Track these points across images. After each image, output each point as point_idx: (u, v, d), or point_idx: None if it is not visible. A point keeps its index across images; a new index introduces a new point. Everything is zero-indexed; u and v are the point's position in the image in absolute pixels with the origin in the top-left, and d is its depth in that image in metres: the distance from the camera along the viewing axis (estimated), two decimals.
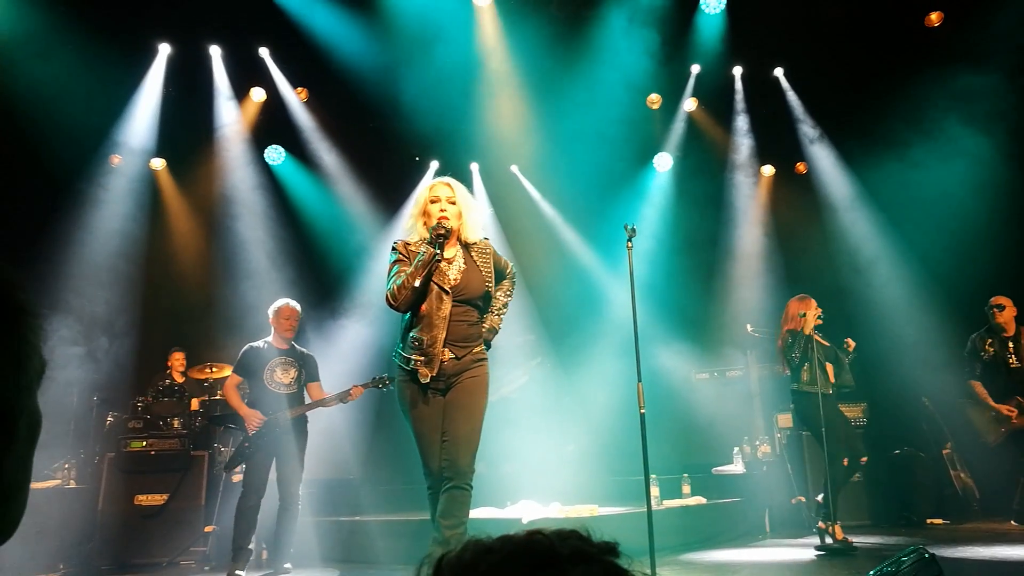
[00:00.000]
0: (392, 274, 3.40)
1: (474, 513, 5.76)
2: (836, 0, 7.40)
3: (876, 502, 6.64)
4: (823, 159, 8.69)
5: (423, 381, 3.36)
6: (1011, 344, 5.91)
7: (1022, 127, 7.03)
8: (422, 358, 3.36)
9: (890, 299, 7.85)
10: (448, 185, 3.52)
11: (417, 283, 3.31)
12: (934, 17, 7.63)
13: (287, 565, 5.18)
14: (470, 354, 3.45)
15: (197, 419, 6.58)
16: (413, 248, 3.45)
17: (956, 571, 4.12)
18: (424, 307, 3.38)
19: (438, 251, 3.35)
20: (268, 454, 5.25)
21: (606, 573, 0.66)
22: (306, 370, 5.49)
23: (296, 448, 5.30)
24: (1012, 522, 6.11)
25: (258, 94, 8.47)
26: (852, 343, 5.66)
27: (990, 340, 5.98)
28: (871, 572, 3.13)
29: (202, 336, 7.69)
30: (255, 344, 5.46)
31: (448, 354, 3.38)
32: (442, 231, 3.37)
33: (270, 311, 5.51)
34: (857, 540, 5.48)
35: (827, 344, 5.70)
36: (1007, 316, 5.92)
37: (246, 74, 8.37)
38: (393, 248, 3.50)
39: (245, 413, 5.23)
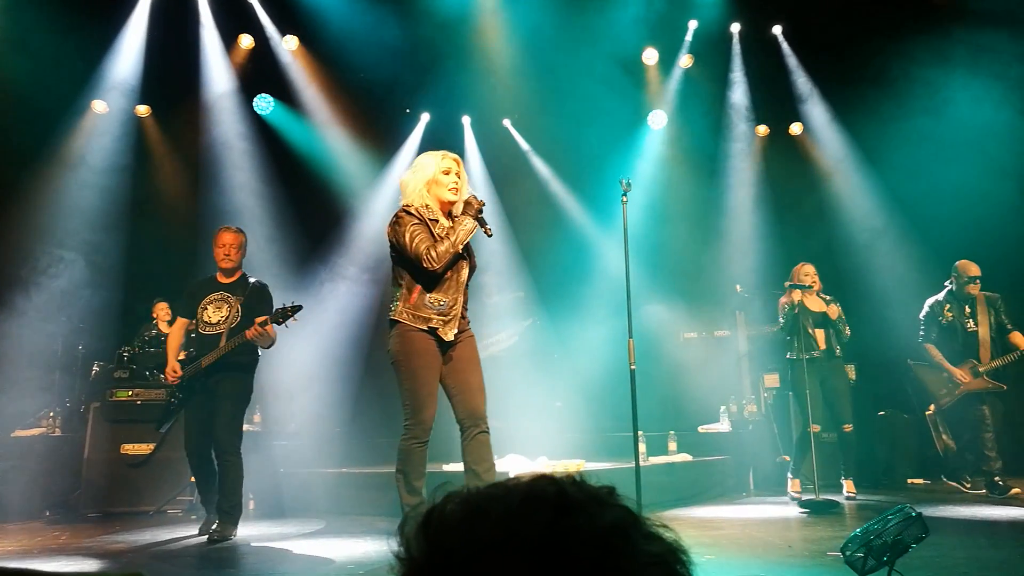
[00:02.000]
0: (416, 237, 3.51)
1: (462, 466, 5.81)
2: None
3: (860, 462, 6.71)
4: (818, 119, 8.61)
5: (447, 339, 3.56)
6: (967, 307, 6.03)
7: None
8: (444, 318, 3.55)
9: (880, 260, 7.85)
10: (457, 160, 3.72)
11: (460, 250, 3.55)
12: None
13: (235, 529, 4.65)
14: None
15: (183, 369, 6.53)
16: (428, 215, 3.60)
17: (937, 529, 4.17)
18: (449, 272, 3.58)
19: (487, 226, 3.62)
20: (199, 407, 4.72)
21: (627, 517, 0.62)
22: (247, 305, 4.76)
23: (226, 393, 4.66)
24: (964, 484, 6.23)
25: (246, 41, 8.27)
26: (836, 309, 5.73)
27: (948, 305, 6.09)
28: (857, 530, 3.15)
29: (265, 283, 7.62)
30: (198, 279, 5.00)
31: (465, 316, 3.67)
32: (480, 205, 3.62)
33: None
34: (840, 498, 5.56)
35: (818, 310, 5.79)
36: (976, 285, 6.01)
37: (233, 20, 8.15)
38: (407, 211, 3.60)
39: (168, 365, 4.75)
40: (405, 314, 3.55)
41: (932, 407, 7.07)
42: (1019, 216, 7.01)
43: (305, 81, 8.47)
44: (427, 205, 3.63)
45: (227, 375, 4.69)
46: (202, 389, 4.73)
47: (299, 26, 8.25)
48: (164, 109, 8.20)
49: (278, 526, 5.19)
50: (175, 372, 4.73)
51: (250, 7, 8.19)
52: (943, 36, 7.12)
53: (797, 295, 5.80)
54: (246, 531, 4.92)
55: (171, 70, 8.01)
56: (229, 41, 8.20)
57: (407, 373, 3.53)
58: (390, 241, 3.64)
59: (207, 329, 4.73)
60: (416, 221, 3.56)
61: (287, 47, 8.38)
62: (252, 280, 4.91)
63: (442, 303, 3.56)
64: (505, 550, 0.60)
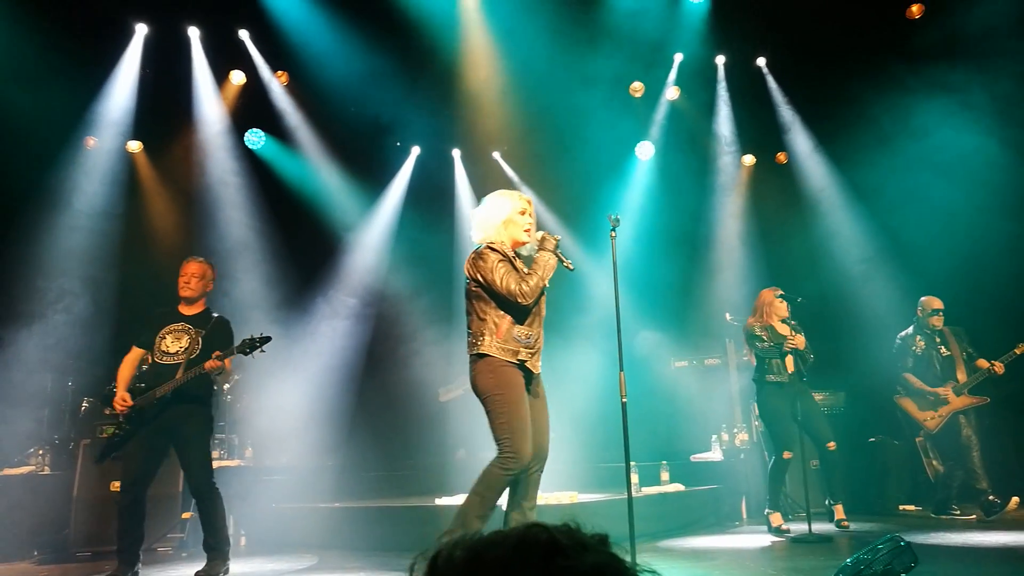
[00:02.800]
0: (503, 273, 3.63)
1: (455, 500, 5.80)
2: None
3: (851, 489, 6.72)
4: (804, 149, 8.75)
5: (535, 372, 3.72)
6: (938, 338, 6.37)
7: (1002, 117, 7.09)
8: (530, 351, 3.70)
9: (868, 287, 7.93)
10: (530, 202, 3.92)
11: (546, 284, 3.74)
12: (915, 9, 7.68)
13: (226, 565, 4.54)
14: None
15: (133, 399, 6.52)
16: (509, 252, 3.75)
17: (928, 557, 4.19)
18: (534, 307, 3.75)
19: (567, 261, 3.79)
20: (148, 440, 4.50)
21: (610, 560, 0.66)
22: (208, 338, 4.65)
23: (192, 431, 4.54)
24: (954, 512, 6.20)
25: (237, 77, 8.37)
26: (801, 340, 5.72)
27: (918, 336, 6.40)
28: (848, 560, 3.18)
29: (226, 319, 7.62)
30: (160, 309, 4.80)
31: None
32: (557, 240, 3.80)
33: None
34: (832, 527, 5.57)
35: (785, 334, 5.80)
36: (940, 317, 6.37)
37: (225, 57, 8.25)
38: (493, 249, 3.72)
39: (117, 394, 4.52)
40: (495, 348, 3.63)
41: (922, 434, 7.13)
42: (998, 241, 7.12)
43: (296, 116, 8.56)
44: (503, 242, 3.77)
45: (185, 408, 4.54)
46: (152, 421, 4.50)
47: (289, 62, 8.35)
48: (156, 145, 8.26)
49: (271, 562, 5.15)
50: (125, 401, 4.47)
51: (241, 43, 8.29)
52: (920, 65, 7.30)
53: (765, 320, 5.82)
54: (238, 568, 4.88)
55: (163, 106, 8.08)
56: (221, 77, 8.29)
57: (505, 406, 3.57)
58: (470, 277, 3.73)
59: (164, 359, 4.58)
60: (501, 258, 3.68)
61: (278, 83, 8.48)
62: (215, 315, 4.82)
63: (528, 336, 3.69)
64: None
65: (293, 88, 8.55)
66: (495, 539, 0.70)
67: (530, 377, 3.71)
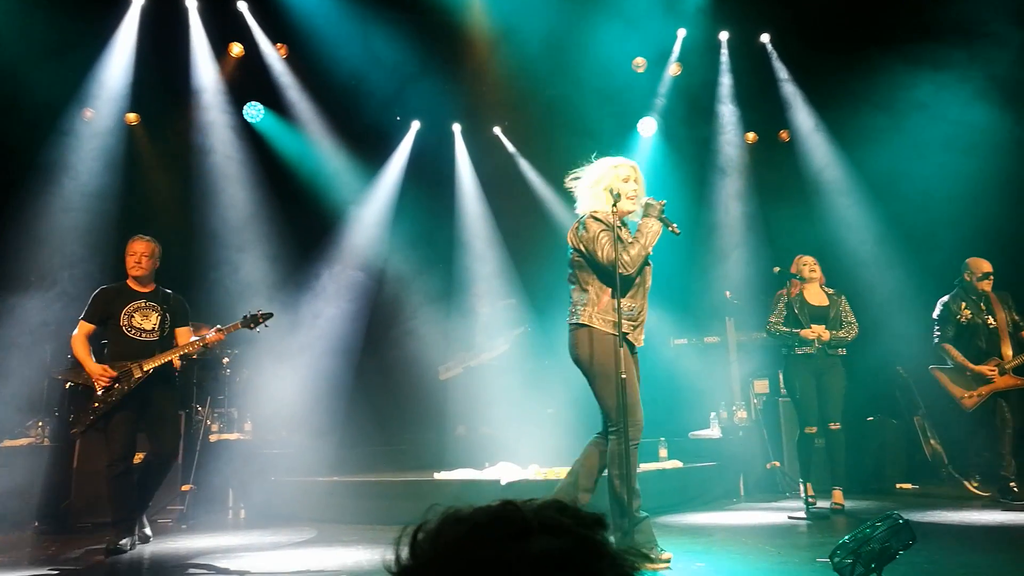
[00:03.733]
0: (604, 243, 3.61)
1: (453, 475, 5.82)
2: None
3: (849, 467, 6.74)
4: (806, 126, 8.67)
5: (638, 345, 3.73)
6: (983, 305, 5.85)
7: (1006, 94, 7.03)
8: (632, 323, 3.68)
9: (870, 269, 7.90)
10: (634, 167, 3.87)
11: (650, 252, 3.69)
12: None
13: (147, 531, 4.82)
14: None
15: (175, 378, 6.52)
16: (611, 219, 3.69)
17: (925, 535, 4.20)
18: (638, 278, 3.70)
19: (672, 225, 3.73)
20: (128, 412, 4.67)
21: (576, 545, 0.64)
22: (171, 314, 4.93)
23: (164, 401, 4.82)
24: (972, 484, 6.16)
25: (236, 49, 8.27)
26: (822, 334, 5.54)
27: (964, 303, 5.86)
28: (846, 537, 3.18)
29: (180, 296, 7.58)
30: (108, 287, 4.94)
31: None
32: (662, 205, 3.74)
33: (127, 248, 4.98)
34: (832, 504, 5.59)
35: (817, 303, 5.70)
36: (990, 282, 5.85)
37: (224, 28, 8.14)
38: (595, 219, 3.71)
39: (91, 368, 4.65)
40: (596, 319, 3.64)
41: (920, 413, 7.14)
42: (1001, 217, 7.08)
43: (295, 89, 8.47)
44: (612, 211, 3.72)
45: (163, 381, 4.80)
46: (136, 394, 4.66)
47: (289, 34, 8.25)
48: (154, 118, 8.18)
49: (269, 535, 5.18)
50: (107, 372, 4.61)
51: (240, 15, 8.19)
52: (925, 41, 7.23)
53: (796, 287, 5.69)
54: (237, 540, 4.91)
55: (161, 78, 7.99)
56: (219, 49, 8.19)
57: (609, 377, 3.57)
58: (573, 247, 3.75)
59: (140, 335, 4.79)
60: (604, 227, 3.64)
61: (277, 55, 8.39)
62: (168, 292, 5.02)
63: (632, 309, 3.68)
64: (463, 569, 0.64)
65: (293, 61, 8.45)
66: (462, 515, 0.69)
67: (632, 349, 3.70)
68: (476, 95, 8.67)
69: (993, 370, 5.70)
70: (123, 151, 7.87)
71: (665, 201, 3.76)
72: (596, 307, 3.66)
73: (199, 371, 6.62)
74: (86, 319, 4.84)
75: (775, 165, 8.84)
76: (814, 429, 5.56)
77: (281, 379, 6.93)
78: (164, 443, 4.80)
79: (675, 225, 3.73)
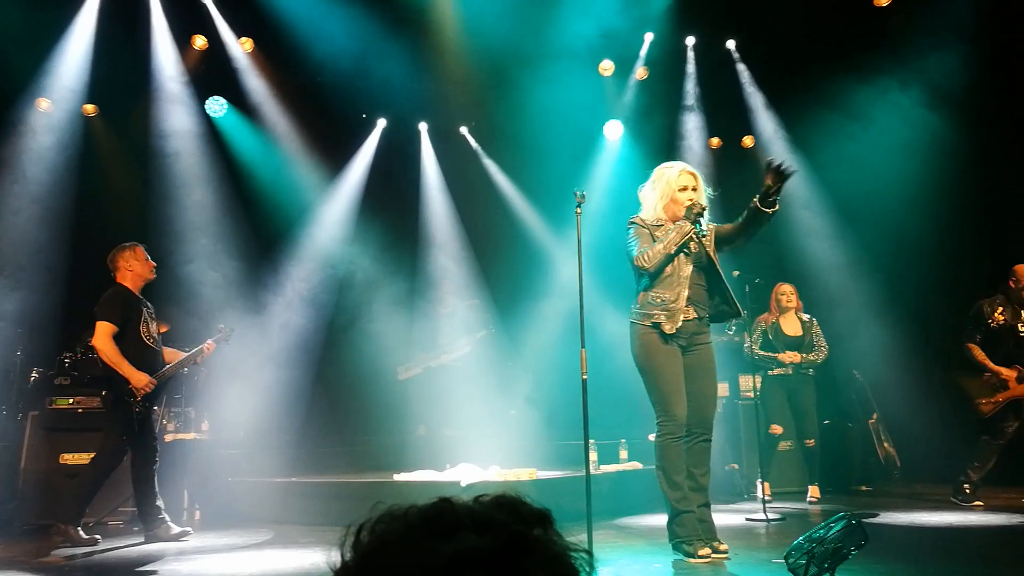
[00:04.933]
0: (635, 243, 3.88)
1: (413, 476, 5.78)
2: None
3: (799, 473, 6.84)
4: (769, 133, 8.78)
5: (668, 331, 3.77)
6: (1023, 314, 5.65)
7: (964, 103, 7.20)
8: (666, 312, 3.78)
9: (827, 274, 8.03)
10: (694, 175, 3.99)
11: (672, 251, 3.80)
12: None
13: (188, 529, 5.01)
14: (707, 321, 3.94)
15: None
16: (655, 224, 3.92)
17: (878, 535, 4.28)
18: (668, 268, 3.83)
19: (698, 227, 3.85)
20: (154, 416, 5.02)
21: (504, 542, 0.63)
22: (157, 324, 5.12)
23: (160, 405, 5.17)
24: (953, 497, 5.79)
25: (199, 42, 8.12)
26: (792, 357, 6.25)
27: (1001, 308, 5.69)
28: (800, 538, 3.22)
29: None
30: (123, 289, 4.85)
31: (692, 312, 3.83)
32: (700, 210, 3.84)
33: (121, 254, 4.92)
34: (788, 506, 5.68)
35: (792, 333, 6.10)
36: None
37: (187, 20, 8.00)
38: (633, 223, 3.98)
39: (136, 376, 4.66)
40: (635, 314, 3.90)
41: (875, 416, 7.29)
42: (940, 221, 7.26)
43: (259, 84, 8.35)
44: (660, 218, 3.93)
45: (164, 388, 5.13)
46: (152, 400, 4.92)
47: (254, 28, 8.14)
48: (113, 109, 7.99)
49: (225, 536, 5.09)
50: (152, 382, 4.76)
51: (204, 7, 8.05)
52: (884, 52, 7.41)
53: (773, 315, 6.41)
54: (192, 542, 4.82)
55: (121, 69, 7.81)
56: (182, 41, 8.04)
57: (647, 371, 3.81)
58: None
59: (154, 343, 4.92)
60: (640, 228, 3.91)
61: (241, 49, 8.26)
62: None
63: (663, 299, 3.81)
64: (391, 567, 0.65)
65: (257, 55, 8.34)
66: (398, 513, 0.68)
67: (680, 341, 3.80)
68: (443, 94, 8.63)
69: (1012, 372, 5.56)
70: (79, 142, 7.69)
71: (705, 205, 3.90)
72: (636, 303, 3.91)
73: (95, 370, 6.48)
74: (112, 321, 4.72)
75: (740, 170, 8.94)
76: (779, 429, 6.25)
77: (240, 378, 6.83)
78: (153, 447, 4.96)
79: (700, 230, 3.90)
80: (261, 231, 8.02)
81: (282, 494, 5.89)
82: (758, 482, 6.08)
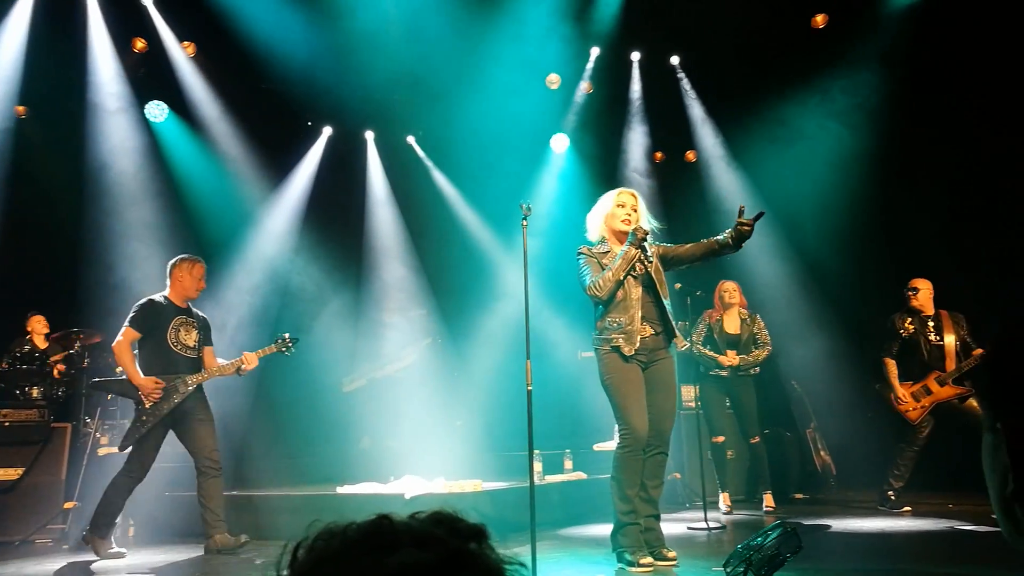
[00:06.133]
0: (584, 272, 4.04)
1: (356, 489, 5.71)
2: None
3: (748, 478, 6.98)
4: (711, 147, 8.98)
5: (627, 353, 3.91)
6: (931, 323, 5.92)
7: (894, 123, 7.50)
8: (623, 335, 3.92)
9: (766, 288, 8.23)
10: (633, 195, 4.18)
11: (621, 277, 3.93)
12: (819, 19, 8.00)
13: (244, 537, 4.81)
14: (663, 335, 4.05)
15: (60, 388, 6.17)
16: (600, 249, 4.10)
17: (814, 542, 4.40)
18: (620, 293, 3.97)
19: (643, 253, 3.99)
20: (164, 426, 4.84)
21: (442, 558, 0.64)
22: (203, 333, 5.12)
23: (205, 414, 4.97)
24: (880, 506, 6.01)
25: (139, 44, 7.92)
26: (758, 325, 6.28)
27: (910, 319, 5.97)
28: (739, 546, 3.29)
29: (67, 301, 7.17)
30: (156, 298, 4.97)
31: (648, 330, 3.99)
32: (643, 234, 3.98)
33: (178, 265, 5.05)
34: (737, 515, 5.78)
35: (733, 331, 6.14)
36: (922, 299, 5.98)
37: (126, 22, 7.80)
38: (580, 252, 4.13)
39: (141, 381, 4.74)
40: (596, 340, 4.04)
41: (812, 425, 7.48)
42: (870, 234, 7.59)
43: (202, 89, 8.19)
44: (603, 238, 4.13)
45: (200, 395, 4.98)
46: (175, 409, 4.82)
47: (197, 32, 7.98)
48: (46, 112, 7.73)
49: (161, 553, 4.95)
50: (159, 387, 4.75)
51: (144, 9, 7.86)
52: (821, 71, 7.68)
53: (717, 312, 6.32)
54: (124, 559, 4.67)
55: (55, 71, 7.57)
56: (121, 43, 7.83)
57: (611, 390, 3.97)
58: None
59: (186, 352, 4.94)
60: (588, 258, 4.07)
61: (184, 53, 8.09)
62: (196, 310, 5.17)
63: (619, 322, 3.95)
64: None
65: (200, 60, 8.17)
66: (336, 530, 0.68)
67: (640, 358, 3.95)
68: (391, 103, 8.59)
69: (906, 397, 5.83)
70: (9, 146, 7.41)
71: (649, 230, 4.05)
72: (596, 327, 4.06)
73: (88, 381, 6.27)
74: (134, 327, 4.85)
75: (682, 184, 9.11)
76: (721, 439, 6.25)
77: None
78: (212, 450, 4.90)
79: (647, 255, 4.03)
80: (203, 239, 7.83)
81: (231, 507, 5.73)
82: (720, 493, 6.18)
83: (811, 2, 7.96)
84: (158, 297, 5.00)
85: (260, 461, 7.01)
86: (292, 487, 6.39)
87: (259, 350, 5.09)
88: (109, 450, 6.15)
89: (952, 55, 7.11)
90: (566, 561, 4.21)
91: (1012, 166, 6.82)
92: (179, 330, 4.95)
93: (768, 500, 6.12)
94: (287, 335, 5.18)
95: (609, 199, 4.16)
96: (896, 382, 5.92)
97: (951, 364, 5.79)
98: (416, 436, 6.71)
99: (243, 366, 5.02)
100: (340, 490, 5.67)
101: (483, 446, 7.12)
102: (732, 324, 6.28)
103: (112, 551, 4.72)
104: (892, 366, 5.97)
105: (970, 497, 6.05)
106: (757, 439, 6.19)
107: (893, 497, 5.86)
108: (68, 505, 5.59)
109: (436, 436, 6.84)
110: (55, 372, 6.28)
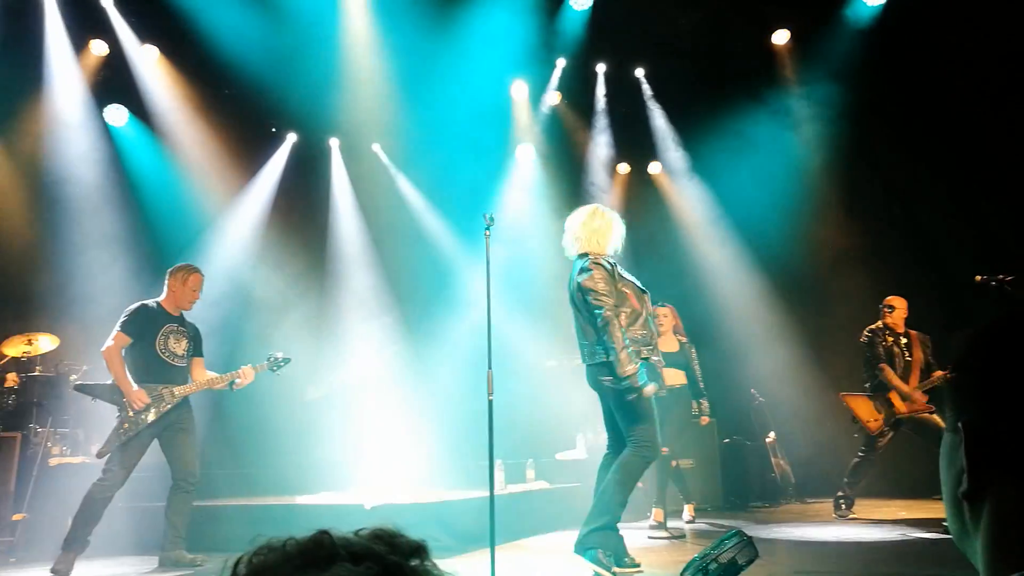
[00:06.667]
0: (606, 289, 3.98)
1: (315, 499, 5.66)
2: (694, 9, 7.73)
3: (709, 488, 7.06)
4: (674, 160, 9.10)
5: (654, 363, 4.05)
6: (903, 339, 6.05)
7: (851, 135, 7.68)
8: (648, 347, 4.03)
9: (727, 298, 8.35)
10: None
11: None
12: (777, 36, 8.18)
13: (201, 557, 4.68)
14: None
15: (11, 396, 6.01)
16: (613, 267, 4.12)
17: (770, 551, 4.46)
18: (638, 306, 4.09)
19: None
20: (151, 435, 4.71)
21: (382, 571, 0.65)
22: (194, 343, 5.00)
23: (190, 426, 4.86)
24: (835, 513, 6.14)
25: (99, 47, 7.79)
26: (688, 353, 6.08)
27: (887, 331, 6.08)
28: (696, 555, 3.33)
29: (22, 307, 7.00)
30: (148, 303, 4.87)
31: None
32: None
33: (174, 274, 4.94)
34: (684, 524, 5.83)
35: (669, 351, 6.11)
36: (897, 317, 6.10)
37: (86, 23, 7.66)
38: (596, 263, 4.07)
39: (128, 388, 4.63)
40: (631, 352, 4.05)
41: (772, 434, 7.60)
42: (832, 247, 7.72)
43: (164, 94, 8.07)
44: (616, 252, 4.26)
45: (187, 406, 4.87)
46: (162, 418, 4.71)
47: (160, 35, 7.88)
48: (2, 114, 7.55)
49: (112, 566, 4.85)
50: (144, 396, 4.63)
51: (103, 11, 7.73)
52: (778, 87, 7.86)
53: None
54: (78, 570, 4.56)
55: (11, 72, 7.40)
56: (80, 46, 7.69)
57: (652, 407, 4.08)
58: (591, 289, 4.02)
59: (175, 360, 4.82)
60: (602, 272, 4.04)
61: (146, 57, 7.97)
62: (188, 319, 5.06)
63: (642, 335, 4.05)
64: None
65: (163, 64, 8.06)
66: (276, 545, 0.69)
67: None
68: (356, 111, 8.56)
69: (901, 398, 5.87)
70: None
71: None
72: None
73: (40, 389, 6.12)
74: (125, 331, 4.75)
75: (646, 196, 9.21)
76: (665, 450, 5.84)
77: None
78: (191, 464, 4.81)
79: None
80: (162, 245, 7.70)
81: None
82: (685, 505, 6.08)
83: (772, 18, 8.13)
84: (151, 303, 4.90)
85: (218, 471, 6.90)
86: (251, 497, 6.30)
87: (254, 365, 4.99)
88: (61, 460, 6.01)
89: (908, 70, 7.33)
90: (526, 571, 4.22)
91: (966, 177, 7.04)
92: (169, 338, 4.83)
93: (690, 510, 5.98)
94: (280, 354, 5.10)
95: (620, 234, 4.31)
96: (901, 383, 5.88)
97: (915, 382, 5.89)
98: (378, 445, 6.66)
99: (238, 380, 4.88)
100: (299, 500, 5.60)
101: (446, 455, 7.10)
102: (669, 345, 6.02)
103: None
104: (890, 370, 5.95)
105: (921, 506, 6.21)
106: (690, 463, 6.23)
107: (844, 505, 6.01)
108: (17, 517, 5.44)
109: (399, 445, 6.80)
110: (8, 380, 6.12)
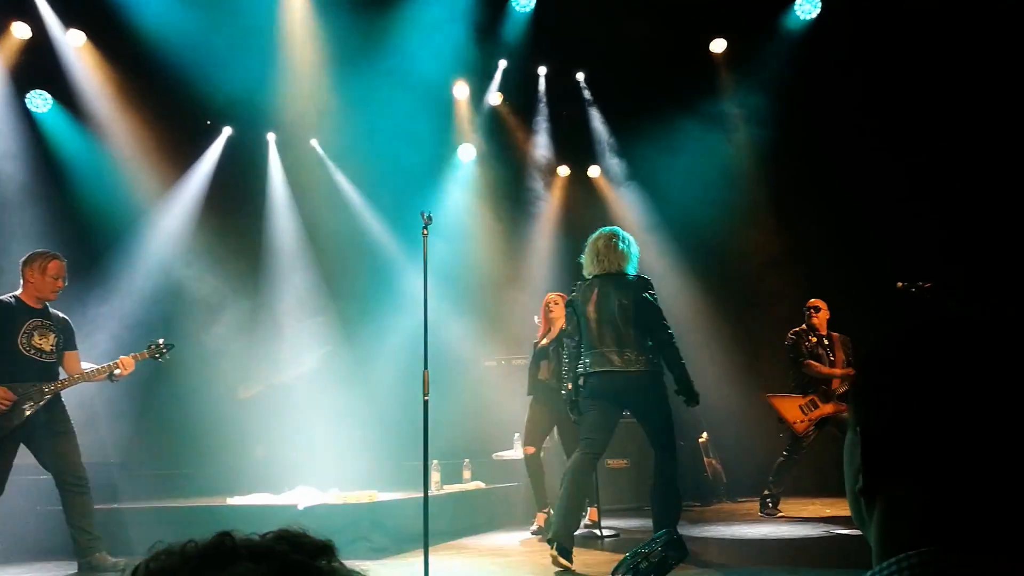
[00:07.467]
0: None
1: (247, 500, 5.54)
2: (635, 15, 7.84)
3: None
4: (613, 164, 9.21)
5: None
6: (826, 341, 6.22)
7: (787, 141, 7.91)
8: None
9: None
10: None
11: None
12: (715, 44, 8.37)
13: (124, 561, 4.47)
14: None
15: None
16: None
17: (702, 549, 4.56)
18: None
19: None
20: (15, 441, 4.47)
21: (282, 569, 0.64)
22: (64, 336, 4.74)
23: (64, 426, 4.62)
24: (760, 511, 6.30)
25: (21, 30, 7.46)
26: None
27: (811, 333, 6.25)
28: (627, 554, 3.37)
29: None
30: (4, 299, 4.58)
31: None
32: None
33: (30, 264, 4.63)
34: (619, 523, 5.91)
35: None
36: (821, 318, 6.29)
37: (6, 4, 7.32)
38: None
39: None
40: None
41: (704, 434, 7.75)
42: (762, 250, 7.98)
43: (90, 81, 7.77)
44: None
45: (60, 404, 4.65)
46: (25, 423, 4.44)
47: (87, 20, 7.58)
48: None
49: (32, 572, 4.65)
50: (8, 396, 4.37)
51: None
52: (714, 94, 8.05)
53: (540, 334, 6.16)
54: None
55: None
56: (0, 28, 7.35)
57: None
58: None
59: (41, 356, 4.57)
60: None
61: (72, 42, 7.67)
62: (55, 311, 4.79)
63: None
64: None
65: (90, 50, 7.76)
66: (175, 548, 0.68)
67: None
68: (295, 105, 8.40)
69: (836, 387, 6.04)
70: None
71: None
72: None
73: None
74: None
75: (585, 199, 9.30)
76: (532, 449, 5.84)
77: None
78: (75, 465, 4.61)
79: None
80: (88, 240, 7.42)
81: (101, 523, 5.43)
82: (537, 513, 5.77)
83: (710, 25, 8.30)
84: (7, 297, 4.60)
85: (145, 472, 6.70)
86: (179, 499, 6.13)
87: (133, 354, 4.77)
88: None
89: (836, 79, 7.59)
90: (459, 571, 4.21)
91: (892, 182, 7.32)
92: (32, 334, 4.56)
93: (592, 514, 5.77)
94: (161, 341, 4.90)
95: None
96: (830, 368, 6.09)
97: (836, 382, 6.08)
98: (312, 445, 6.56)
99: (117, 371, 4.66)
100: (231, 501, 5.48)
101: (380, 456, 7.03)
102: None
103: None
104: (816, 364, 6.13)
105: (845, 503, 6.40)
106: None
107: (771, 504, 6.18)
108: None
109: (332, 445, 6.71)
110: None
